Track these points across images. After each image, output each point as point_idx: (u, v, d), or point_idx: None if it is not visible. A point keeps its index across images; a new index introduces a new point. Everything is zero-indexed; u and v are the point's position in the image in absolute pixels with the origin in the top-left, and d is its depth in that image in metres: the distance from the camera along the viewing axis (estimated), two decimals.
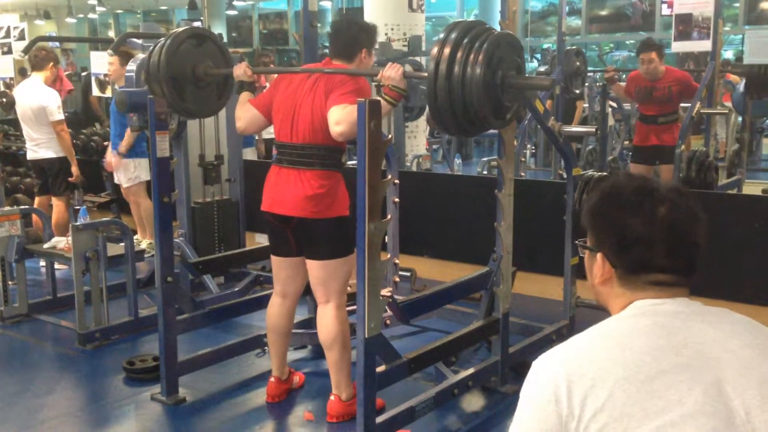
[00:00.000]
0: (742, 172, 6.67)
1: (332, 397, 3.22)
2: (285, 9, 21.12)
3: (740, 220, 4.33)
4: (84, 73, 10.43)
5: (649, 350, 1.17)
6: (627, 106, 7.94)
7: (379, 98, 2.82)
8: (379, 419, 2.84)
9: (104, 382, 3.81)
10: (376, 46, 3.32)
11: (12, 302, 4.66)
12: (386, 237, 4.05)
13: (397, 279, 4.37)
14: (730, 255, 4.17)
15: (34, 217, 5.67)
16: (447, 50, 2.70)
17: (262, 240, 5.51)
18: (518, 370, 3.56)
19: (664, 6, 13.88)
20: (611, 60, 15.64)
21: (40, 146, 5.76)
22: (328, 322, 3.18)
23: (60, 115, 5.67)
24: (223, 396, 3.58)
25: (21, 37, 7.86)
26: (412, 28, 7.29)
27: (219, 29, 17.27)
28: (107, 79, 6.42)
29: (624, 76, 6.65)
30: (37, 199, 6.07)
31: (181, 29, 3.67)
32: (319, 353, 3.73)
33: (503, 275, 3.41)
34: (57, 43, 13.14)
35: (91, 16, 21.07)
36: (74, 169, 5.83)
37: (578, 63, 6.86)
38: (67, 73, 10.91)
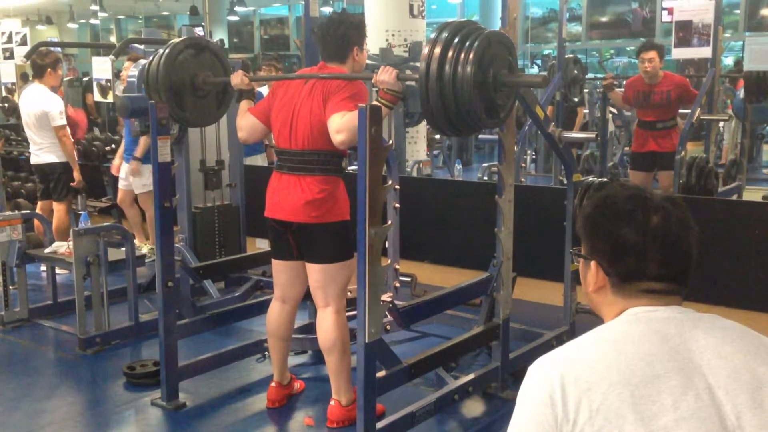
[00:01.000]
0: (742, 179, 6.68)
1: (332, 403, 3.22)
2: (286, 15, 21.20)
3: (740, 227, 4.32)
4: (86, 78, 10.46)
5: (644, 355, 1.18)
6: (627, 112, 7.94)
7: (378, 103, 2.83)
8: (379, 425, 2.85)
9: (104, 387, 3.81)
10: (367, 39, 3.30)
11: (13, 307, 4.67)
12: (386, 242, 4.06)
13: (398, 284, 4.36)
14: (730, 261, 4.16)
15: (36, 221, 5.69)
16: (437, 50, 2.66)
17: (262, 245, 5.53)
18: (518, 376, 3.55)
19: (665, 12, 13.91)
20: (611, 66, 15.64)
21: (42, 151, 5.78)
22: (327, 326, 3.19)
23: (62, 121, 5.68)
24: (224, 401, 3.58)
25: (23, 43, 7.90)
26: (413, 34, 7.30)
27: (220, 35, 17.33)
28: (121, 85, 6.42)
29: (623, 83, 6.65)
30: (39, 204, 6.08)
31: (178, 40, 3.68)
32: (319, 358, 3.73)
33: (503, 281, 3.42)
34: (59, 48, 13.15)
35: (92, 21, 21.10)
36: (76, 174, 5.84)
37: (576, 71, 6.86)
38: (68, 78, 10.93)
